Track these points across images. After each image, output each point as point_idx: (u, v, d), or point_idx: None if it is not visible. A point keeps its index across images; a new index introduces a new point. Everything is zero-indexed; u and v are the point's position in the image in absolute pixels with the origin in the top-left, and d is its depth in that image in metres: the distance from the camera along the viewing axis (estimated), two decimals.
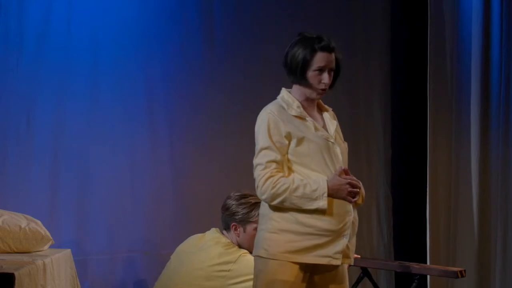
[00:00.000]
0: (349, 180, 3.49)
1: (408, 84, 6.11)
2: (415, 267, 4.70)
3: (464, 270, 4.58)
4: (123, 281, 5.08)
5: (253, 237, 4.29)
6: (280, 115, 3.51)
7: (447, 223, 5.85)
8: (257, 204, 4.32)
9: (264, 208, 3.56)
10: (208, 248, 4.29)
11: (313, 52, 3.49)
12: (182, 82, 5.29)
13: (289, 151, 3.50)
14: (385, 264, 5.09)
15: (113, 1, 5.08)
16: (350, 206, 3.52)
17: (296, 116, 3.53)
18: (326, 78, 3.50)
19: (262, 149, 3.49)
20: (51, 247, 4.26)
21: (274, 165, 3.47)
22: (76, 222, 4.93)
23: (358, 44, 5.89)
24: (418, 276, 4.68)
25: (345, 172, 3.52)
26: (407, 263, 4.83)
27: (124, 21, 5.11)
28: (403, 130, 6.10)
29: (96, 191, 4.97)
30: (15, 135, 4.81)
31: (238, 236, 4.35)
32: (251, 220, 4.33)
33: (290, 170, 3.51)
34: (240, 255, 4.24)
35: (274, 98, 3.64)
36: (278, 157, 3.47)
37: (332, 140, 3.55)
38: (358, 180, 3.54)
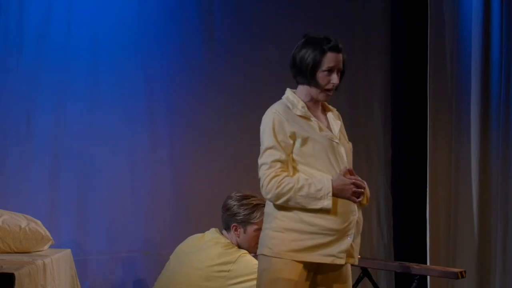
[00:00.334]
0: (353, 180, 3.50)
1: (408, 84, 6.11)
2: (415, 267, 4.71)
3: (465, 271, 4.58)
4: (123, 281, 5.08)
5: (253, 238, 4.30)
6: (285, 114, 3.52)
7: (447, 223, 5.85)
8: (258, 206, 4.32)
9: (268, 207, 3.58)
10: (207, 248, 4.29)
11: (323, 52, 3.51)
12: (182, 82, 5.29)
13: (294, 151, 3.51)
14: (385, 265, 5.09)
15: (113, 1, 5.08)
16: (355, 206, 3.53)
17: (301, 116, 3.54)
18: (335, 78, 3.53)
19: (267, 148, 3.50)
20: (51, 247, 4.26)
21: (279, 165, 3.48)
22: (76, 222, 4.93)
23: (358, 44, 5.89)
24: (418, 276, 4.68)
25: (350, 172, 3.53)
26: (407, 264, 4.83)
27: (124, 21, 5.11)
28: (403, 130, 6.10)
29: (96, 191, 4.97)
30: (15, 135, 4.81)
31: (238, 237, 4.35)
32: (252, 221, 4.33)
33: (295, 170, 3.52)
34: (240, 255, 4.24)
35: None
36: (283, 156, 3.48)
37: (336, 140, 3.56)
38: (363, 181, 3.55)
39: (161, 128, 5.21)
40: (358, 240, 3.59)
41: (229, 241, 4.34)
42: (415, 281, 4.69)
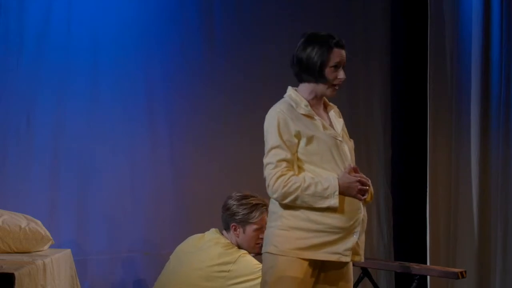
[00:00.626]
0: (359, 178, 3.51)
1: (408, 84, 6.10)
2: (415, 267, 4.71)
3: (465, 271, 4.58)
4: (123, 281, 5.08)
5: (252, 238, 4.30)
6: (290, 113, 3.53)
7: (447, 223, 5.85)
8: (258, 206, 4.33)
9: (273, 206, 3.58)
10: (207, 248, 4.29)
11: (330, 49, 3.54)
12: (182, 82, 5.29)
13: (299, 150, 3.52)
14: (386, 265, 5.09)
15: (113, 1, 5.08)
16: (360, 204, 3.54)
17: (304, 115, 3.55)
18: (342, 74, 3.56)
19: (272, 148, 3.51)
20: (51, 247, 4.26)
21: (284, 164, 3.48)
22: (76, 222, 4.93)
23: (358, 44, 5.89)
24: (418, 276, 4.68)
25: (355, 170, 3.54)
26: (407, 264, 4.83)
27: (124, 21, 5.11)
28: (403, 130, 6.10)
29: (96, 191, 4.97)
30: (15, 135, 4.81)
31: (238, 237, 4.35)
32: (251, 221, 4.33)
33: (300, 169, 3.53)
34: (240, 255, 4.24)
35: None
36: (289, 155, 3.49)
37: (340, 139, 3.57)
38: (367, 178, 3.56)
39: (161, 128, 5.21)
40: (363, 237, 3.60)
41: (229, 241, 4.34)
42: (415, 281, 4.69)
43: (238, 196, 4.40)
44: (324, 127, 3.56)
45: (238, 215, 4.35)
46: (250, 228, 4.33)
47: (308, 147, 3.51)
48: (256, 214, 4.33)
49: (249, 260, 4.24)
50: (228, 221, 4.37)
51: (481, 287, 5.81)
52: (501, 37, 5.82)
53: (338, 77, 3.55)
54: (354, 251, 3.53)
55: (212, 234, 4.38)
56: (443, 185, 5.86)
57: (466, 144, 5.85)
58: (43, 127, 4.87)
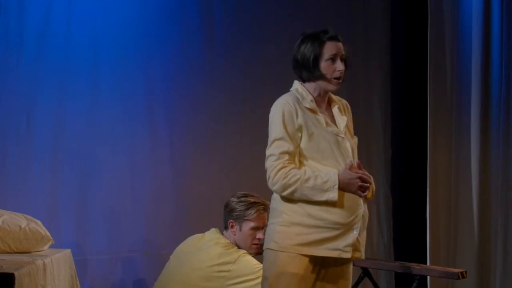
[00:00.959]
0: (360, 174, 3.50)
1: (408, 84, 6.10)
2: (416, 268, 4.71)
3: (465, 271, 4.58)
4: (123, 281, 5.08)
5: (249, 236, 4.31)
6: (295, 106, 3.52)
7: (447, 223, 5.85)
8: (255, 204, 4.34)
9: (275, 202, 3.58)
10: (207, 248, 4.29)
11: (322, 43, 3.53)
12: (182, 82, 5.29)
13: (301, 145, 3.51)
14: (386, 265, 5.09)
15: (113, 1, 5.08)
16: (361, 200, 3.53)
17: (309, 109, 3.54)
18: (340, 65, 3.54)
19: (275, 139, 3.50)
20: (51, 247, 4.26)
21: (287, 157, 3.48)
22: (76, 222, 4.93)
23: (358, 44, 5.88)
24: (418, 276, 4.68)
25: (358, 166, 3.53)
26: (407, 264, 4.83)
27: (124, 21, 5.11)
28: (403, 130, 6.10)
29: (96, 191, 4.97)
30: (15, 135, 4.81)
31: (235, 234, 4.35)
32: (246, 218, 4.33)
33: (302, 164, 3.52)
34: (240, 255, 4.24)
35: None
36: (291, 148, 3.48)
37: (342, 136, 3.57)
38: (370, 175, 3.55)
39: (161, 128, 5.21)
40: (364, 234, 3.60)
41: (229, 241, 4.34)
42: (415, 281, 4.69)
43: (240, 194, 4.43)
44: (327, 124, 3.56)
45: (235, 212, 4.36)
46: (247, 226, 4.33)
47: (309, 143, 3.51)
48: (252, 211, 4.33)
49: (249, 260, 4.24)
50: (226, 218, 4.40)
51: (481, 287, 5.81)
52: (501, 36, 5.82)
53: (337, 69, 3.53)
54: (355, 247, 3.53)
55: (212, 234, 4.39)
56: (443, 185, 5.86)
57: (466, 144, 5.85)
58: (43, 127, 4.87)
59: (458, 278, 4.56)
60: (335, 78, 3.55)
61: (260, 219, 4.34)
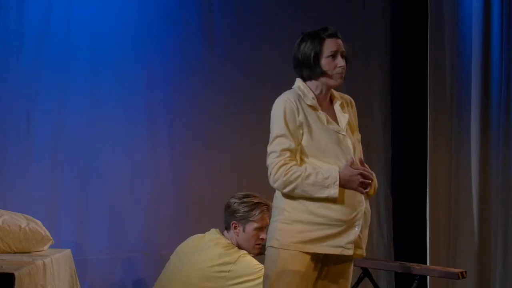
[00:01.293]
0: (361, 171, 3.50)
1: (408, 84, 6.10)
2: (416, 267, 4.71)
3: (465, 271, 4.58)
4: (123, 281, 5.08)
5: (252, 237, 4.31)
6: (297, 103, 3.52)
7: (447, 223, 5.85)
8: (259, 204, 4.33)
9: (276, 200, 3.58)
10: (207, 248, 4.29)
11: (322, 40, 3.54)
12: (182, 82, 5.29)
13: (302, 142, 3.51)
14: (386, 265, 5.09)
15: (113, 1, 5.08)
16: (362, 197, 3.54)
17: (310, 106, 3.54)
18: (341, 61, 3.55)
19: (277, 136, 3.50)
20: (51, 247, 4.26)
21: (288, 154, 3.48)
22: (76, 222, 4.93)
23: (358, 44, 5.88)
24: (418, 276, 4.68)
25: (361, 162, 3.53)
26: (408, 264, 4.83)
27: (124, 21, 5.11)
28: (403, 130, 6.10)
29: (96, 191, 4.97)
30: (15, 135, 4.81)
31: (238, 235, 4.35)
32: (251, 219, 4.33)
33: (303, 161, 3.52)
34: (240, 255, 4.24)
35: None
36: (293, 145, 3.48)
37: (343, 133, 3.57)
38: (371, 172, 3.55)
39: (161, 128, 5.21)
40: (366, 231, 3.61)
41: (229, 241, 4.34)
42: (415, 281, 4.69)
43: (240, 195, 4.42)
44: (328, 121, 3.56)
45: (239, 213, 4.35)
46: (250, 227, 4.33)
47: (310, 140, 3.51)
48: (256, 212, 4.33)
49: (249, 260, 4.24)
50: (228, 219, 4.38)
51: (481, 287, 5.81)
52: (501, 36, 5.82)
53: (338, 65, 3.54)
54: (356, 244, 3.54)
55: (213, 235, 4.38)
56: (443, 185, 5.86)
57: (466, 144, 5.85)
58: (43, 127, 4.87)
59: (458, 278, 4.56)
60: (336, 74, 3.55)
61: (264, 219, 4.34)
